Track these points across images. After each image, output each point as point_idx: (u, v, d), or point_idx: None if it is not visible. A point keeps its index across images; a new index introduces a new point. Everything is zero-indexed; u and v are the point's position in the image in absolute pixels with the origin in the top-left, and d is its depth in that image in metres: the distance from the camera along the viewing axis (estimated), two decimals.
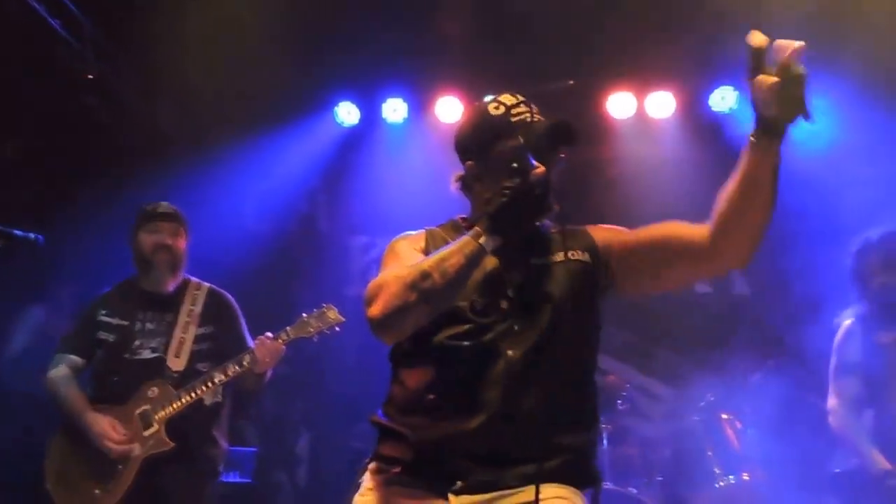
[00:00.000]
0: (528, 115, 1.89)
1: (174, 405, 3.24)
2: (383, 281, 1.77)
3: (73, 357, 3.37)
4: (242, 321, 3.54)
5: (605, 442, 4.11)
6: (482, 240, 1.71)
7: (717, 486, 3.79)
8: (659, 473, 4.23)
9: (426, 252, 1.88)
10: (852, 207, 5.34)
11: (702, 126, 5.48)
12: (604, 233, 1.96)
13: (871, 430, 3.24)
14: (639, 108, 5.48)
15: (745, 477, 3.80)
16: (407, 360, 1.87)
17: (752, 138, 1.63)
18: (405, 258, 1.88)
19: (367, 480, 1.83)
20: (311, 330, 3.34)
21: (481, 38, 4.94)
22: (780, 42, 1.53)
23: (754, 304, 5.36)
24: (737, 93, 5.34)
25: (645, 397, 4.47)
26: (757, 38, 1.55)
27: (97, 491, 3.18)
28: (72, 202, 4.89)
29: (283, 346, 3.34)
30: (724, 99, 5.39)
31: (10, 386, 4.54)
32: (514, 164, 1.72)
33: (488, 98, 1.96)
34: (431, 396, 1.78)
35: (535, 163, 1.72)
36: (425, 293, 1.70)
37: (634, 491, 3.90)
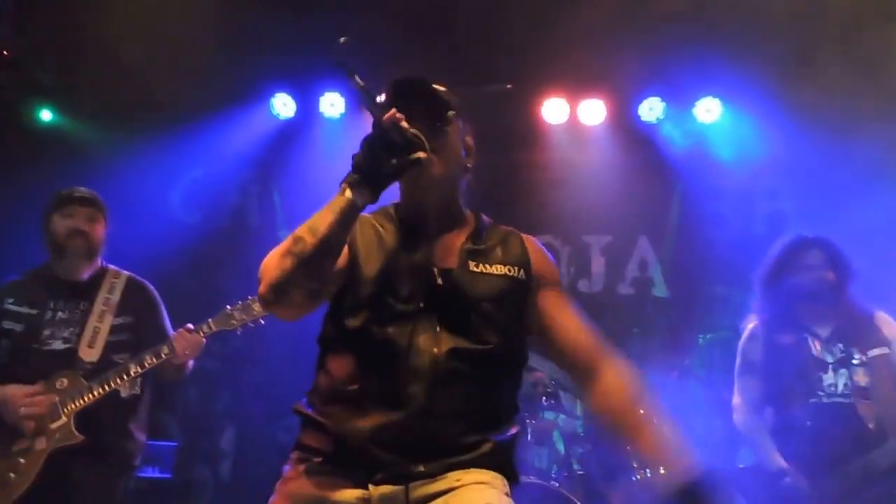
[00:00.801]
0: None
1: (85, 397, 3.13)
2: (265, 260, 1.78)
3: None
4: (163, 312, 3.46)
5: (528, 436, 4.22)
6: (347, 193, 1.71)
7: (634, 479, 3.93)
8: (580, 468, 4.35)
9: (353, 239, 1.87)
10: (764, 217, 5.65)
11: (630, 134, 5.66)
12: (542, 260, 2.00)
13: (770, 428, 3.32)
14: (571, 115, 5.64)
15: (661, 471, 3.96)
16: (332, 345, 1.87)
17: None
18: None
19: (289, 470, 1.84)
20: (235, 322, 3.29)
21: (418, 39, 4.98)
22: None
23: (672, 306, 5.57)
24: (664, 104, 5.56)
25: (569, 394, 4.59)
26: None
27: None
28: None
29: (204, 339, 3.28)
30: (651, 110, 5.57)
31: None
32: (371, 112, 1.73)
33: None
34: (354, 387, 1.78)
35: (390, 111, 1.70)
36: (299, 256, 1.69)
37: (556, 485, 4.01)
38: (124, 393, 3.25)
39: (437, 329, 1.80)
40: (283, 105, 5.70)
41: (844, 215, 4.37)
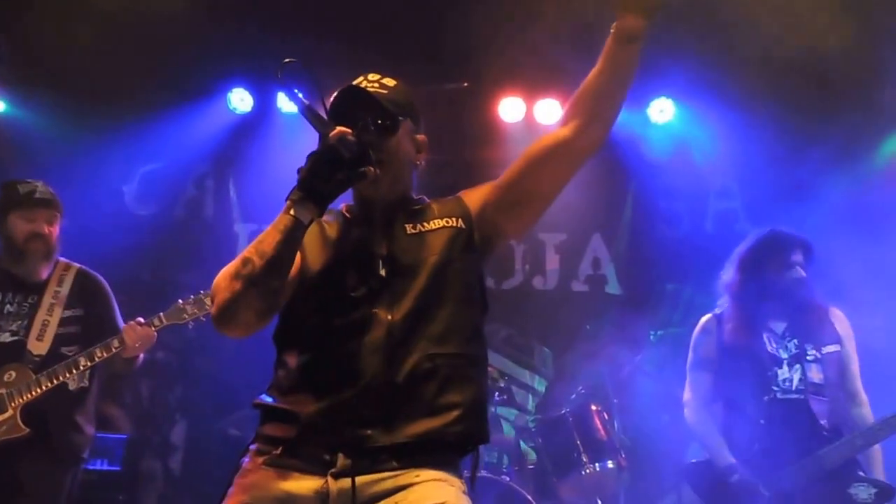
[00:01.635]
0: (362, 81, 1.94)
1: (34, 391, 3.12)
2: (216, 279, 1.79)
3: None
4: (114, 304, 3.44)
5: None
6: (292, 211, 1.73)
7: (583, 473, 3.99)
8: (531, 462, 4.40)
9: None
10: (714, 215, 5.78)
11: None
12: (476, 193, 2.00)
13: (721, 424, 3.32)
14: (528, 114, 5.69)
15: (610, 465, 4.03)
16: (288, 342, 1.88)
17: (617, 24, 1.87)
18: None
19: (247, 462, 1.84)
20: (186, 316, 3.30)
21: (374, 37, 4.98)
22: None
23: (625, 303, 5.67)
24: None
25: (521, 389, 4.65)
26: None
27: None
28: None
29: (155, 332, 3.28)
30: None
31: None
32: (317, 130, 1.75)
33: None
34: (312, 374, 1.79)
35: (338, 127, 1.73)
36: (248, 278, 1.71)
37: (507, 479, 4.06)
38: (72, 386, 3.24)
39: (391, 302, 1.80)
40: (241, 100, 5.67)
41: (794, 214, 4.46)
